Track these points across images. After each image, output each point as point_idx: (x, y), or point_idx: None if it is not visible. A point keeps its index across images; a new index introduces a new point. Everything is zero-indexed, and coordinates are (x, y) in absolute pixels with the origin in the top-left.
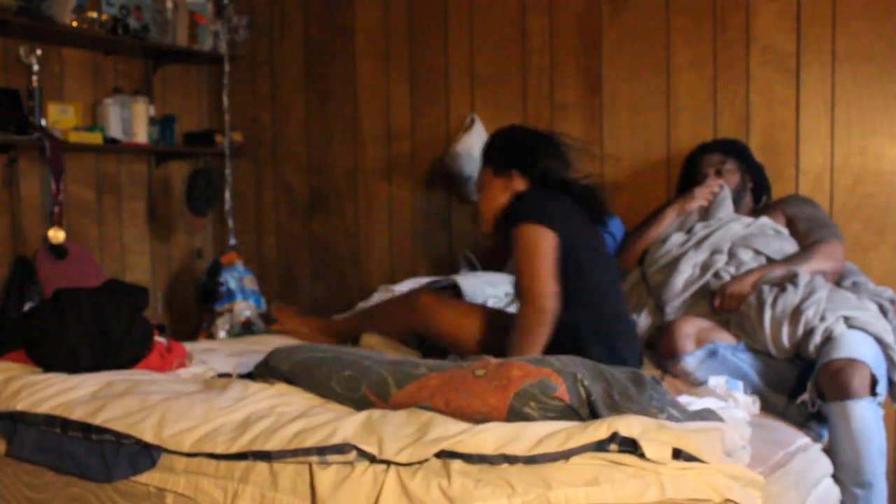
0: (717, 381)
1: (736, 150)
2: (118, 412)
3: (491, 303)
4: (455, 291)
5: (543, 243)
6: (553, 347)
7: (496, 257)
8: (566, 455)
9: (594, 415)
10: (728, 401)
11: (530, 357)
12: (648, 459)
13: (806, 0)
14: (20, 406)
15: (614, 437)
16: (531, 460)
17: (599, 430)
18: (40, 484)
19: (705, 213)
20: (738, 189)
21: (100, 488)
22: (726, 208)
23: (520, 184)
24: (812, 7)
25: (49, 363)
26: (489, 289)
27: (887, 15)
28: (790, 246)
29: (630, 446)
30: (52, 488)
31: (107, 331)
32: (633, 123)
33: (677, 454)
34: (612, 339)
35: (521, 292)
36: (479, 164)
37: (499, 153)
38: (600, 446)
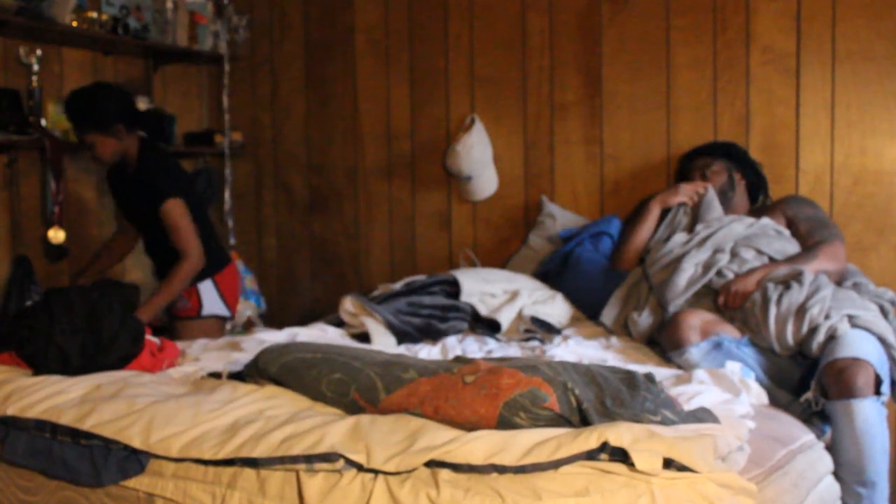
0: (733, 367)
1: (722, 151)
2: (106, 416)
3: (488, 300)
4: (454, 288)
5: (181, 209)
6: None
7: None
8: (556, 465)
9: (586, 422)
10: (740, 388)
11: (521, 364)
12: (638, 470)
13: (806, 0)
14: (11, 411)
15: (604, 446)
16: (520, 470)
17: (590, 439)
18: (33, 486)
19: (693, 215)
20: (725, 188)
21: (91, 492)
22: (714, 209)
23: (122, 132)
24: (812, 7)
25: (39, 363)
26: (487, 286)
27: (887, 15)
28: (792, 247)
29: (621, 455)
30: (44, 491)
31: (98, 329)
32: (633, 123)
33: (668, 463)
34: (204, 242)
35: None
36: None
37: (98, 115)
38: (591, 455)
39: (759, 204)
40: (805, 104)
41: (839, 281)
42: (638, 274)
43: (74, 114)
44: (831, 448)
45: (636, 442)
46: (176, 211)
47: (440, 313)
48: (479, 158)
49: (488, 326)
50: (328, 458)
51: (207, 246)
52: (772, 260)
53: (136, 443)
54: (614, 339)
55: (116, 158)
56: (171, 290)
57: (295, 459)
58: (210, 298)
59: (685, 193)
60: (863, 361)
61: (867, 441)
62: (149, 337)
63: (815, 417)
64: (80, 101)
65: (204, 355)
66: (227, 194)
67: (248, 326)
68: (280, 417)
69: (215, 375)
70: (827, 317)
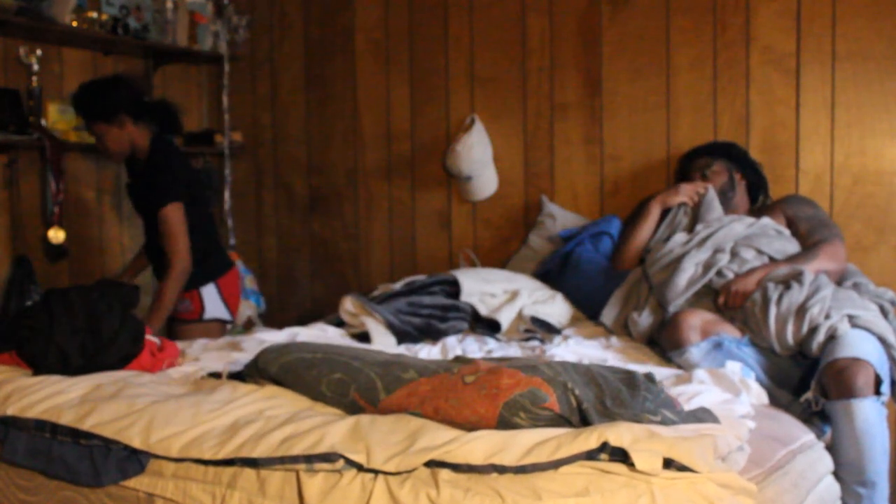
0: (733, 367)
1: (722, 151)
2: (106, 416)
3: (488, 300)
4: (454, 288)
5: (180, 215)
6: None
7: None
8: (556, 465)
9: (586, 422)
10: (740, 388)
11: (521, 364)
12: (638, 470)
13: (806, 0)
14: (11, 411)
15: (604, 446)
16: (520, 470)
17: (590, 439)
18: (33, 487)
19: (693, 215)
20: (725, 188)
21: (91, 492)
22: (714, 210)
23: (128, 122)
24: (812, 7)
25: (39, 363)
26: (487, 286)
27: (887, 15)
28: (792, 246)
29: (621, 455)
30: (44, 491)
31: (98, 329)
32: (633, 123)
33: (668, 463)
34: (208, 245)
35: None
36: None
37: (103, 105)
38: (591, 455)
39: (759, 204)
40: (805, 104)
41: (839, 281)
42: (638, 274)
43: (81, 105)
44: (831, 448)
45: (636, 442)
46: (173, 216)
47: (440, 313)
48: (479, 158)
49: (488, 326)
50: (328, 458)
51: (211, 248)
52: (772, 260)
53: (136, 443)
54: (614, 339)
55: (125, 151)
56: (164, 303)
57: (295, 459)
58: (212, 302)
59: (685, 193)
60: (863, 361)
61: (867, 441)
62: (149, 337)
63: (815, 417)
64: (86, 93)
65: (204, 355)
66: (226, 194)
67: (247, 326)
68: (280, 417)
69: (215, 375)
70: (827, 317)
